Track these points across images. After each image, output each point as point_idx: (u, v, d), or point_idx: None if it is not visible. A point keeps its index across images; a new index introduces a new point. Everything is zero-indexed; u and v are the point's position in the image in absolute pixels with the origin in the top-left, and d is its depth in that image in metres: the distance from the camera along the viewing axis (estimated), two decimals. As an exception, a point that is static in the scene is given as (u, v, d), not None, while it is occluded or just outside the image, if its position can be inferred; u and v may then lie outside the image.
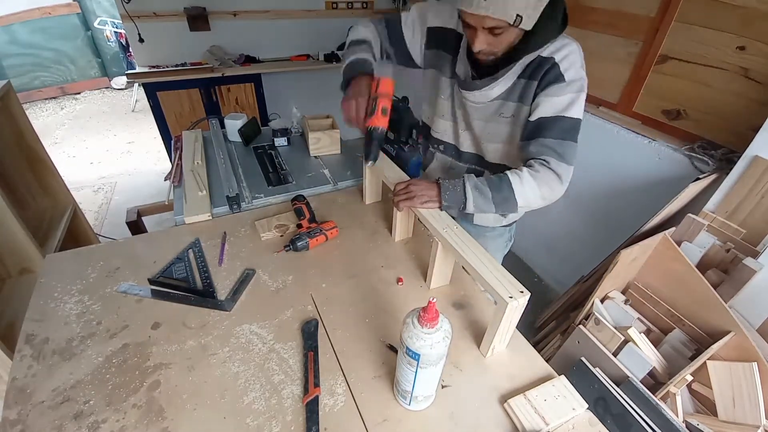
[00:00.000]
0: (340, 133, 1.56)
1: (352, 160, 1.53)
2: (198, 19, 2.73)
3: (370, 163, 1.02)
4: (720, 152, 1.51)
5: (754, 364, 1.21)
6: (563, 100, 0.87)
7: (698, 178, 1.44)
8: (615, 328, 1.40)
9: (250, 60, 2.92)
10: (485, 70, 0.94)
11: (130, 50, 3.55)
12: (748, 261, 1.28)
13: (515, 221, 1.28)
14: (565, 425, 0.70)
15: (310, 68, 3.12)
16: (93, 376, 0.75)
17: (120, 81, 5.00)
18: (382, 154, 1.18)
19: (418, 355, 0.61)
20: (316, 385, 0.74)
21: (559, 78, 0.86)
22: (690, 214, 1.42)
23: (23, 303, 0.88)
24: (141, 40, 2.66)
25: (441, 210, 0.93)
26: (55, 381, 0.73)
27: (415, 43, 1.06)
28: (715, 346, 1.27)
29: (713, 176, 1.47)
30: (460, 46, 0.98)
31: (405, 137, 3.10)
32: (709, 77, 1.55)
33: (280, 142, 1.60)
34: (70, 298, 0.90)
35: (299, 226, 1.10)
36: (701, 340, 1.36)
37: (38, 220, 1.72)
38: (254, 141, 1.63)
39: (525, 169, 0.89)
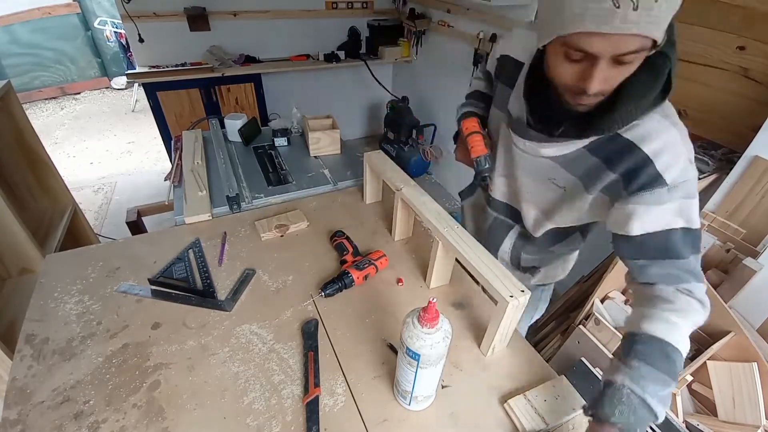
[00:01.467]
0: (340, 133, 1.56)
1: (352, 160, 1.53)
2: (198, 19, 2.73)
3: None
4: (720, 152, 1.51)
5: (754, 364, 1.21)
6: (669, 209, 0.65)
7: (698, 178, 1.43)
8: (615, 328, 1.40)
9: (250, 60, 2.92)
10: (543, 121, 0.75)
11: (130, 50, 3.55)
12: (748, 261, 1.28)
13: (553, 282, 1.12)
14: (565, 425, 0.70)
15: (310, 68, 3.12)
16: (93, 376, 0.75)
17: (120, 81, 5.00)
18: (382, 154, 1.18)
19: (418, 355, 0.61)
20: (316, 385, 0.74)
21: (658, 180, 0.64)
22: (690, 214, 1.42)
23: (23, 303, 0.88)
24: (141, 40, 2.66)
25: None
26: (55, 381, 0.73)
27: (493, 76, 0.94)
28: (715, 346, 1.27)
29: (713, 176, 1.47)
30: (518, 77, 0.80)
31: (405, 137, 3.10)
32: (709, 77, 1.55)
33: (280, 142, 1.60)
34: (70, 298, 0.90)
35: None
36: (701, 340, 1.36)
37: (38, 220, 1.72)
38: (254, 141, 1.63)
39: (671, 315, 0.65)
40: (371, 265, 0.98)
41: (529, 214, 0.90)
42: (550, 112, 0.72)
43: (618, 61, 0.57)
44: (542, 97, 0.72)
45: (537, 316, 1.24)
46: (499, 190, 0.95)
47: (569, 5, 0.53)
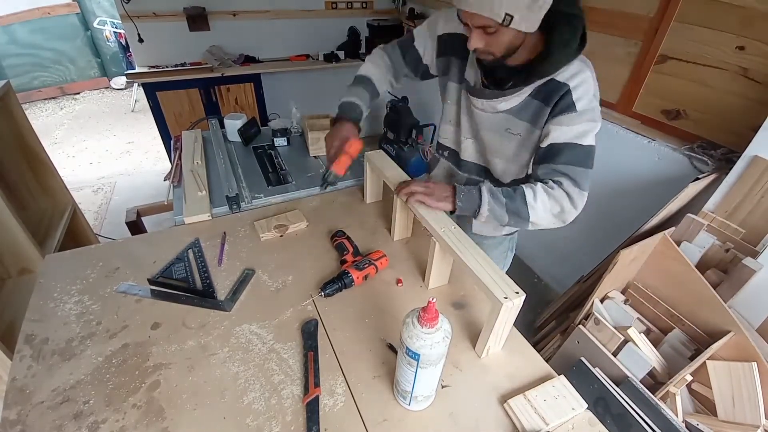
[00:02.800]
0: (340, 133, 1.55)
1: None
2: (197, 19, 2.73)
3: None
4: (719, 152, 1.51)
5: (754, 364, 1.21)
6: (574, 130, 0.85)
7: (698, 178, 1.44)
8: (615, 328, 1.40)
9: (249, 60, 2.92)
10: (496, 82, 0.92)
11: (130, 50, 3.54)
12: (748, 261, 1.29)
13: (516, 231, 1.26)
14: (565, 425, 0.70)
15: (309, 68, 3.12)
16: (93, 376, 0.75)
17: (119, 81, 5.00)
18: (383, 153, 1.18)
19: (418, 355, 0.61)
20: (316, 385, 0.74)
21: (571, 107, 0.84)
22: (689, 214, 1.42)
23: (23, 303, 0.88)
24: (140, 40, 2.66)
25: (455, 212, 0.90)
26: (55, 381, 0.73)
27: (428, 55, 1.07)
28: (714, 346, 1.27)
29: (713, 176, 1.47)
30: (470, 51, 0.96)
31: (405, 137, 3.10)
32: (709, 77, 1.55)
33: (280, 142, 1.60)
34: (70, 298, 0.90)
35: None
36: (701, 340, 1.36)
37: (38, 220, 1.72)
38: (254, 141, 1.63)
39: (539, 184, 0.87)
40: (371, 265, 0.98)
41: (498, 165, 1.04)
42: (501, 73, 0.91)
43: (484, 30, 0.78)
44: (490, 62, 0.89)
45: (505, 268, 1.31)
46: (467, 151, 1.09)
47: None
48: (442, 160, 1.21)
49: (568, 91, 0.84)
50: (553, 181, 0.87)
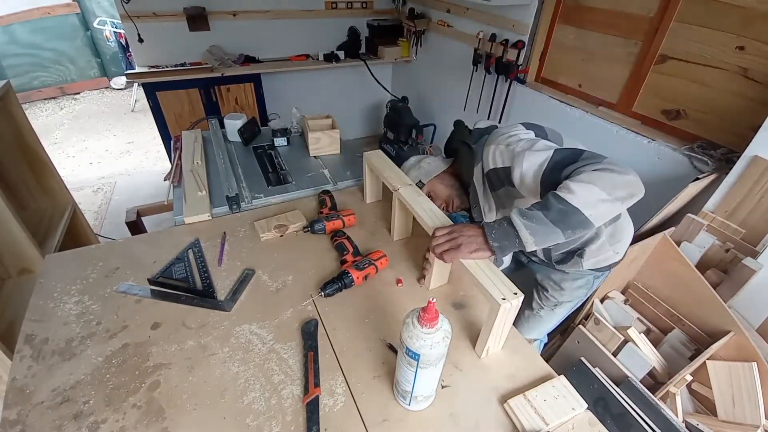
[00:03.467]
0: (340, 133, 1.56)
1: (351, 160, 1.53)
2: (197, 19, 2.73)
3: None
4: (719, 152, 1.51)
5: (754, 364, 1.21)
6: (536, 155, 0.84)
7: (698, 178, 1.44)
8: (615, 328, 1.40)
9: (249, 60, 2.92)
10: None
11: (130, 50, 3.54)
12: (748, 261, 1.29)
13: (603, 271, 1.13)
14: (565, 425, 0.70)
15: (309, 68, 3.12)
16: (93, 376, 0.75)
17: (119, 81, 5.00)
18: (382, 154, 1.18)
19: (418, 355, 0.61)
20: (316, 385, 0.74)
21: (503, 143, 0.90)
22: (689, 214, 1.42)
23: (23, 303, 0.88)
24: (140, 40, 2.66)
25: (495, 257, 0.80)
26: (55, 381, 0.73)
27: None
28: (714, 346, 1.27)
29: (713, 176, 1.47)
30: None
31: (405, 137, 3.10)
32: (709, 77, 1.55)
33: (280, 142, 1.60)
34: (70, 298, 0.90)
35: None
36: (701, 340, 1.36)
37: (38, 221, 1.71)
38: (254, 141, 1.63)
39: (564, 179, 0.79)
40: (371, 265, 0.98)
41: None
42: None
43: None
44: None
45: (579, 304, 1.27)
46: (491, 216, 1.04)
47: None
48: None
49: (482, 145, 0.94)
50: (577, 170, 0.78)
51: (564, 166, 0.80)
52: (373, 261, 0.98)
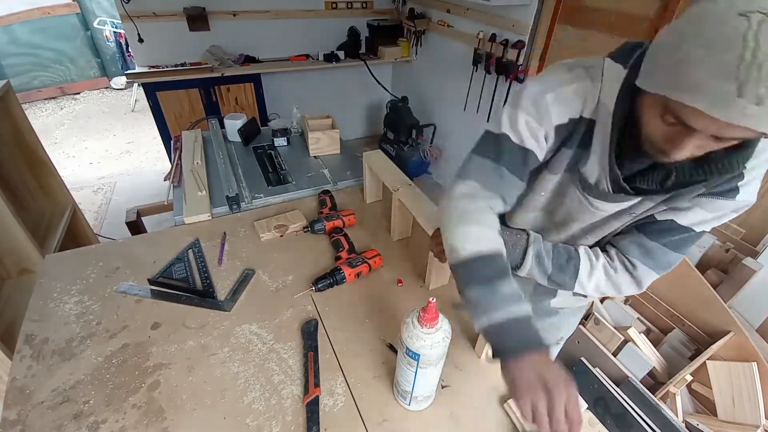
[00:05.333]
0: (340, 133, 1.56)
1: (351, 160, 1.53)
2: (197, 19, 2.73)
3: None
4: (719, 152, 1.51)
5: (754, 364, 1.21)
6: (712, 216, 0.63)
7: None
8: (615, 328, 1.40)
9: (249, 60, 2.92)
10: (638, 178, 0.63)
11: (130, 50, 3.55)
12: (748, 261, 1.29)
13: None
14: (565, 425, 0.70)
15: (309, 68, 3.12)
16: (93, 376, 0.75)
17: (119, 81, 4.99)
18: (381, 154, 1.18)
19: (418, 356, 0.61)
20: (316, 385, 0.74)
21: (732, 193, 0.61)
22: (689, 214, 1.42)
23: (23, 303, 0.88)
24: (140, 40, 2.66)
25: None
26: (55, 381, 0.73)
27: (545, 150, 0.70)
28: (714, 346, 1.27)
29: (713, 176, 1.47)
30: (592, 137, 0.66)
31: (405, 137, 3.10)
32: (709, 77, 1.55)
33: (280, 142, 1.60)
34: (70, 298, 0.90)
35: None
36: (701, 340, 1.36)
37: (38, 221, 1.71)
38: (254, 141, 1.63)
39: (602, 258, 0.71)
40: (364, 263, 0.98)
41: (580, 242, 0.79)
42: (649, 174, 0.62)
43: (716, 137, 0.50)
44: (633, 158, 0.63)
45: (571, 333, 1.13)
46: (528, 225, 0.83)
47: (690, 69, 0.46)
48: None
49: (740, 173, 0.59)
50: (625, 260, 0.69)
51: (665, 244, 0.67)
52: (366, 259, 0.99)
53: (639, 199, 0.67)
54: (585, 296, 0.93)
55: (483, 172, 0.69)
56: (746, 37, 0.42)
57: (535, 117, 0.66)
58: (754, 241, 1.33)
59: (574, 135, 0.67)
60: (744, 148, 0.54)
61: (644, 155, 0.60)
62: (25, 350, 0.78)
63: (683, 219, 0.65)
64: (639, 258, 0.68)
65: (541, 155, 0.69)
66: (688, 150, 0.52)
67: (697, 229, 0.65)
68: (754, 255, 1.30)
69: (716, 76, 0.44)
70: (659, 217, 0.67)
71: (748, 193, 0.61)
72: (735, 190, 0.61)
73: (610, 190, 0.66)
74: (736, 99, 0.44)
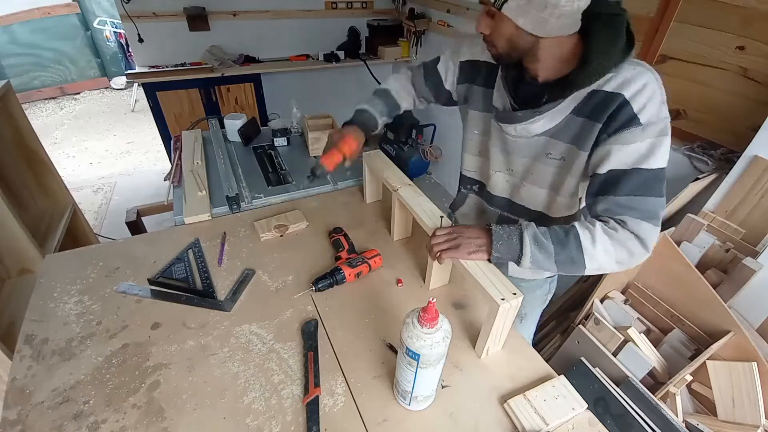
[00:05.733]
0: (340, 133, 1.55)
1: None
2: (197, 19, 2.73)
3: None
4: (719, 152, 1.51)
5: (754, 364, 1.21)
6: (639, 148, 0.70)
7: (698, 178, 1.44)
8: (615, 328, 1.40)
9: (249, 60, 2.92)
10: (527, 100, 0.81)
11: (130, 50, 3.55)
12: (748, 261, 1.28)
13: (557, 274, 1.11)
14: (565, 425, 0.70)
15: (309, 68, 3.12)
16: (93, 376, 0.75)
17: (119, 81, 5.00)
18: (381, 153, 1.18)
19: (418, 355, 0.61)
20: (316, 385, 0.74)
21: (634, 120, 0.69)
22: (689, 214, 1.42)
23: (23, 303, 0.88)
24: (140, 40, 2.66)
25: (490, 261, 0.80)
26: (55, 381, 0.73)
27: (449, 80, 1.01)
28: (714, 346, 1.27)
29: (713, 176, 1.47)
30: (496, 77, 0.89)
31: (405, 137, 3.10)
32: (709, 77, 1.55)
33: (280, 142, 1.60)
34: (70, 298, 0.90)
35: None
36: (701, 340, 1.36)
37: (38, 221, 1.72)
38: (254, 141, 1.63)
39: (598, 223, 0.73)
40: (364, 263, 0.98)
41: (539, 196, 0.90)
42: (532, 89, 0.80)
43: (487, 13, 0.73)
44: (520, 81, 0.82)
45: (542, 310, 1.22)
46: (498, 186, 0.97)
47: None
48: (470, 196, 1.09)
49: (625, 102, 0.69)
50: (615, 220, 0.72)
51: (630, 192, 0.71)
52: (366, 259, 0.99)
53: (537, 123, 0.79)
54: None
55: (417, 66, 1.08)
56: None
57: (452, 54, 1.00)
58: (754, 241, 1.33)
59: (477, 74, 0.93)
60: (585, 65, 0.69)
61: (534, 83, 0.80)
62: (25, 350, 0.78)
63: (618, 163, 0.71)
64: (622, 213, 0.72)
65: (443, 74, 1.01)
66: (480, 22, 0.74)
67: (645, 166, 0.70)
68: (754, 255, 1.30)
69: None
70: (600, 172, 0.73)
71: (650, 114, 0.69)
72: (634, 118, 0.69)
73: (511, 108, 0.83)
74: None
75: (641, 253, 0.72)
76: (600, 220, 0.74)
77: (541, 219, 0.92)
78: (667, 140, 0.71)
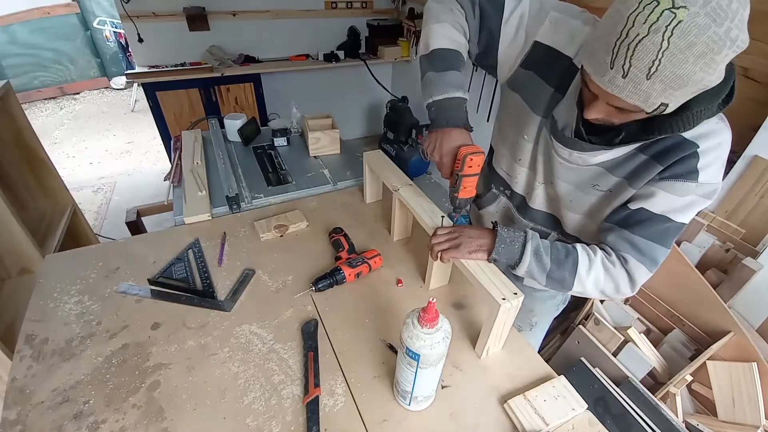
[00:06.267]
0: (340, 133, 1.56)
1: (351, 160, 1.53)
2: (197, 19, 2.73)
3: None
4: (719, 152, 1.51)
5: (754, 364, 1.21)
6: (682, 201, 0.67)
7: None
8: (615, 328, 1.40)
9: (249, 60, 2.92)
10: (598, 131, 0.71)
11: (130, 50, 3.55)
12: (748, 261, 1.29)
13: None
14: (565, 425, 0.70)
15: (309, 68, 3.12)
16: (93, 376, 0.75)
17: (119, 81, 4.99)
18: (381, 153, 1.18)
19: (418, 356, 0.61)
20: (316, 385, 0.74)
21: (693, 174, 0.65)
22: (689, 214, 1.42)
23: (23, 303, 0.88)
24: (140, 40, 2.66)
25: (488, 261, 0.79)
26: (55, 381, 0.73)
27: (512, 50, 0.79)
28: (714, 346, 1.27)
29: (713, 176, 1.47)
30: (571, 82, 0.74)
31: (405, 137, 3.10)
32: (709, 77, 1.55)
33: (280, 142, 1.60)
34: (70, 298, 0.90)
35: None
36: (701, 340, 1.36)
37: (38, 221, 1.71)
38: (254, 141, 1.63)
39: (600, 253, 0.73)
40: (364, 263, 0.98)
41: (573, 220, 0.85)
42: (603, 132, 0.71)
43: (614, 106, 0.60)
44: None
45: (557, 314, 1.20)
46: (538, 199, 0.89)
47: (594, 41, 0.57)
48: (502, 199, 1.00)
49: (695, 154, 0.65)
50: (618, 255, 0.72)
51: (649, 237, 0.70)
52: (366, 259, 0.99)
53: (598, 156, 0.72)
54: None
55: (470, 2, 0.81)
56: (629, 18, 0.50)
57: (529, 18, 0.76)
58: (754, 241, 1.33)
59: (552, 69, 0.76)
60: (683, 110, 0.60)
61: None
62: (25, 350, 0.78)
63: (653, 205, 0.69)
64: (628, 251, 0.72)
65: (506, 36, 0.78)
66: (595, 111, 0.62)
67: (674, 218, 0.69)
68: (754, 255, 1.30)
69: (602, 48, 0.54)
70: (632, 207, 0.72)
71: (709, 175, 0.66)
72: (694, 172, 0.65)
73: (572, 135, 0.74)
74: (608, 69, 0.54)
75: (626, 292, 0.74)
76: (602, 248, 0.75)
77: (573, 241, 0.87)
78: (707, 204, 0.69)
